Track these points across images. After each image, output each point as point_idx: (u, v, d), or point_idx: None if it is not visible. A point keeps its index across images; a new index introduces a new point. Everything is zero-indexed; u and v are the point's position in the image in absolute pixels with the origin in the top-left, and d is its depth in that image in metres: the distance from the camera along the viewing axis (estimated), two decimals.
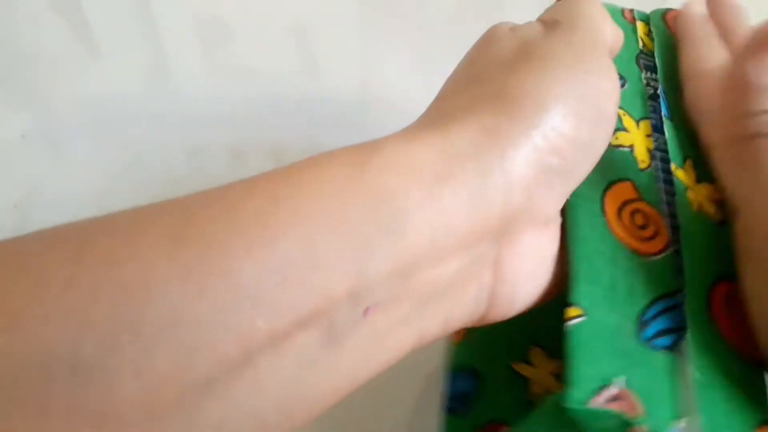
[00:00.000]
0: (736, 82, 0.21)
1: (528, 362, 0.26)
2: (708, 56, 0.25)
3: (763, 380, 0.20)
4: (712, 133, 0.22)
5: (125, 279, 0.13)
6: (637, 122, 0.24)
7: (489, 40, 0.21)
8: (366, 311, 0.15)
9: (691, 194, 0.22)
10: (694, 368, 0.19)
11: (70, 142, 0.40)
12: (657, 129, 0.24)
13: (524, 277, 0.19)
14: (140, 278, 0.13)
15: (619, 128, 0.23)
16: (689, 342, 0.19)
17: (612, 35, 0.21)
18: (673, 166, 0.23)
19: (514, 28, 0.21)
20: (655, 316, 0.19)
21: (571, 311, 0.18)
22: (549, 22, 0.20)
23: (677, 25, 0.27)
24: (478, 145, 0.17)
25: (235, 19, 0.44)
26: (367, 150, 0.16)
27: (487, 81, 0.19)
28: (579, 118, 0.18)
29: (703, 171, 0.23)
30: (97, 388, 0.12)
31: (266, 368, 0.14)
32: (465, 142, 0.17)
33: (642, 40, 0.27)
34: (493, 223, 0.17)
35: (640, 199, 0.22)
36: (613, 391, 0.17)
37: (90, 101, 0.40)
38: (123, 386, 0.12)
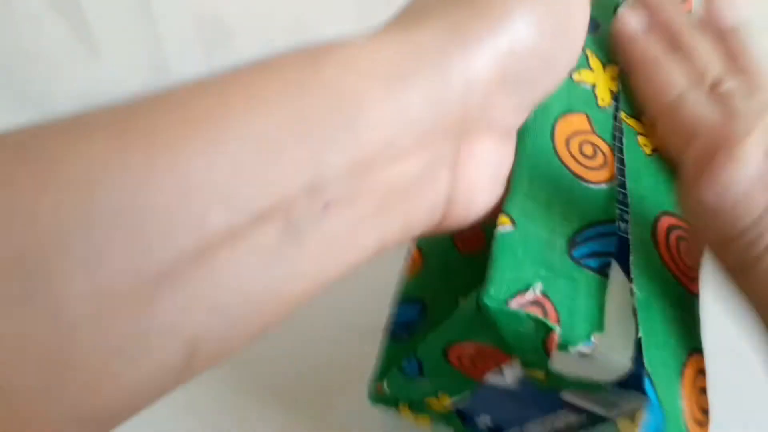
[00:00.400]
0: (702, 217, 0.20)
1: None
2: (668, 84, 0.24)
3: (697, 310, 0.21)
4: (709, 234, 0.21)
5: (70, 176, 0.12)
6: (604, 65, 0.24)
7: None
8: (325, 207, 0.15)
9: (641, 139, 0.23)
10: (636, 288, 0.19)
11: None
12: (622, 76, 0.24)
13: (480, 186, 0.19)
14: (85, 175, 0.12)
15: (584, 65, 0.23)
16: (632, 263, 0.20)
17: None
18: (623, 114, 0.23)
19: None
20: (588, 239, 0.20)
21: (502, 219, 0.19)
22: None
23: (620, 48, 0.25)
24: (440, 44, 0.17)
25: (235, 19, 0.44)
26: (325, 49, 0.16)
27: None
28: (543, 29, 0.18)
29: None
30: (47, 287, 0.12)
31: (225, 262, 0.14)
32: (427, 39, 0.17)
33: None
34: (451, 122, 0.17)
35: (592, 132, 0.22)
36: (530, 296, 0.18)
37: (90, 101, 0.40)
38: (74, 284, 0.12)
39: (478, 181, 0.19)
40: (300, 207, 0.15)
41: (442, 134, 0.17)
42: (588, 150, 0.22)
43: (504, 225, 0.19)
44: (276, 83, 0.15)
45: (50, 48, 0.40)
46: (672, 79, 0.24)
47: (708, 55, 0.24)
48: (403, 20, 0.18)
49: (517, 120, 0.20)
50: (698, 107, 0.22)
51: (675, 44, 0.24)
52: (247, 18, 0.44)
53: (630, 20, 0.25)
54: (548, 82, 0.19)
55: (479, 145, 0.19)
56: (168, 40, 0.43)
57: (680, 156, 0.22)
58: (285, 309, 0.15)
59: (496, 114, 0.18)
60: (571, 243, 0.20)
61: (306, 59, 0.16)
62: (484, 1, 0.18)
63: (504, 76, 0.18)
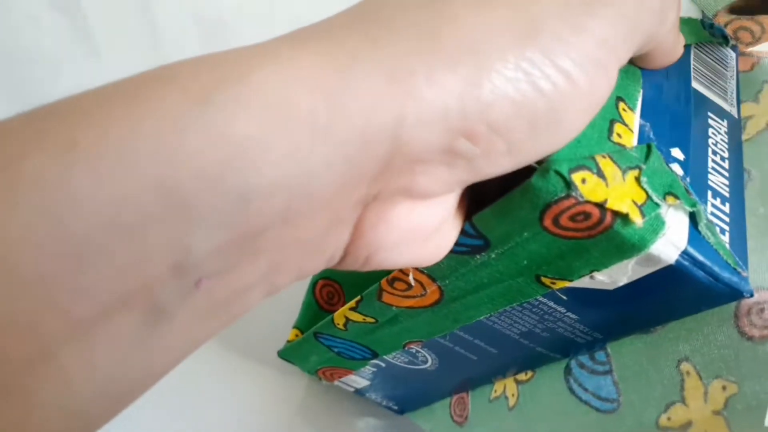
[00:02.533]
0: None
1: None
2: None
3: None
4: None
5: None
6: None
7: None
8: (197, 283, 0.13)
9: None
10: None
11: None
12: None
13: (386, 245, 0.16)
14: None
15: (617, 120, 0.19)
16: None
17: None
18: None
19: None
20: None
21: None
22: None
23: None
24: (373, 96, 0.13)
25: (235, 19, 0.44)
26: (225, 70, 0.12)
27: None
28: (519, 104, 0.14)
29: None
30: None
31: (74, 362, 0.12)
32: (359, 87, 0.13)
33: None
34: (360, 192, 0.14)
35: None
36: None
37: None
38: None
39: (383, 241, 0.16)
40: (166, 288, 0.12)
41: (348, 199, 0.14)
42: None
43: None
44: (140, 126, 0.11)
45: (50, 48, 0.40)
46: None
47: None
48: (339, 33, 0.14)
49: (451, 191, 0.16)
50: None
51: None
52: (247, 18, 0.44)
53: None
54: (507, 166, 0.15)
55: (391, 207, 0.15)
56: (168, 40, 0.43)
57: None
58: (143, 390, 0.14)
59: (419, 185, 0.15)
60: None
61: (196, 83, 0.12)
62: (445, 33, 0.14)
63: (442, 153, 0.14)
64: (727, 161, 0.21)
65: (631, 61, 0.21)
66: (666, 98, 0.21)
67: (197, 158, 0.11)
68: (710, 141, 0.21)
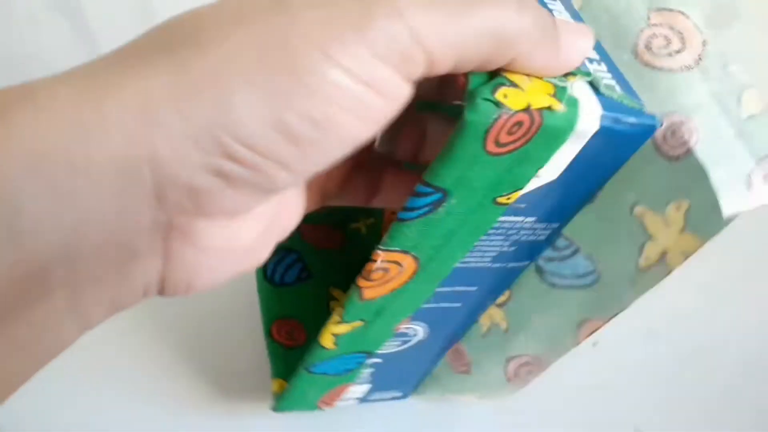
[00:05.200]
0: None
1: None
2: None
3: None
4: None
5: None
6: None
7: None
8: None
9: None
10: None
11: None
12: None
13: (204, 268, 0.17)
14: None
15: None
16: None
17: None
18: None
19: None
20: None
21: None
22: None
23: None
24: (126, 132, 0.13)
25: None
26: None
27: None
28: (271, 123, 0.14)
29: None
30: None
31: None
32: (112, 124, 0.13)
33: None
34: (144, 222, 0.15)
35: None
36: None
37: None
38: None
39: (199, 264, 0.17)
40: None
41: (132, 230, 0.15)
42: None
43: None
44: None
45: (50, 48, 0.39)
46: None
47: None
48: (96, 63, 0.14)
49: (256, 204, 0.16)
50: None
51: None
52: None
53: None
54: (290, 181, 0.16)
55: (196, 234, 0.16)
56: None
57: None
58: None
59: (216, 204, 0.15)
60: None
61: None
62: (205, 44, 0.14)
63: (219, 170, 0.14)
64: None
65: None
66: None
67: None
68: (555, 13, 0.23)
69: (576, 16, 0.24)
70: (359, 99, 0.15)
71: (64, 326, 0.15)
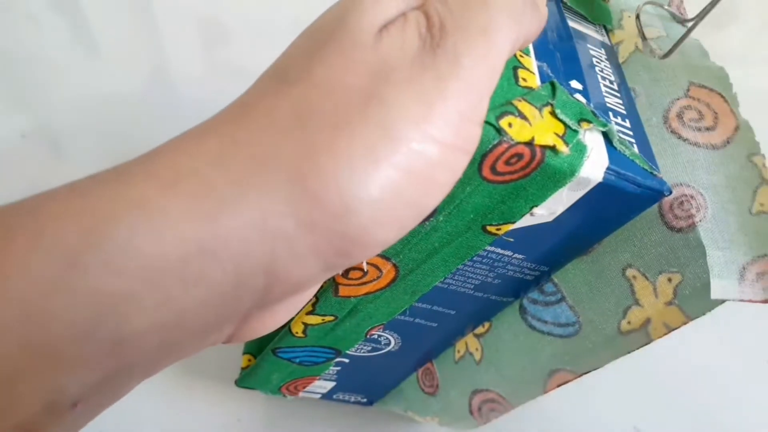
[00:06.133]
0: None
1: None
2: None
3: None
4: None
5: None
6: None
7: (341, 40, 0.15)
8: (74, 405, 0.13)
9: None
10: None
11: (70, 142, 0.40)
12: None
13: (268, 326, 0.17)
14: None
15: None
16: None
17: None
18: None
19: (381, 35, 0.15)
20: None
21: None
22: (433, 24, 0.15)
23: None
24: (244, 242, 0.13)
25: (234, 20, 0.45)
26: (91, 222, 0.13)
27: (309, 118, 0.14)
28: (400, 226, 0.15)
29: None
30: None
31: None
32: (229, 235, 0.13)
33: None
34: (240, 313, 0.15)
35: None
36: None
37: (90, 101, 0.40)
38: None
39: (268, 326, 0.17)
40: (41, 421, 0.13)
41: (227, 321, 0.15)
42: None
43: None
44: (3, 305, 0.12)
45: (50, 48, 0.40)
46: None
47: None
48: (205, 171, 0.14)
49: (323, 277, 0.16)
50: None
51: None
52: (247, 18, 0.44)
53: None
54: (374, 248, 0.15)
55: (272, 310, 0.16)
56: (168, 41, 0.43)
57: None
58: None
59: (293, 285, 0.15)
60: None
61: (72, 239, 0.12)
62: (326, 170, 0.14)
63: (327, 266, 0.15)
64: (615, 84, 0.23)
65: None
66: (551, 39, 0.23)
67: (66, 315, 0.12)
68: (597, 69, 0.23)
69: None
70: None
71: (128, 389, 0.15)
